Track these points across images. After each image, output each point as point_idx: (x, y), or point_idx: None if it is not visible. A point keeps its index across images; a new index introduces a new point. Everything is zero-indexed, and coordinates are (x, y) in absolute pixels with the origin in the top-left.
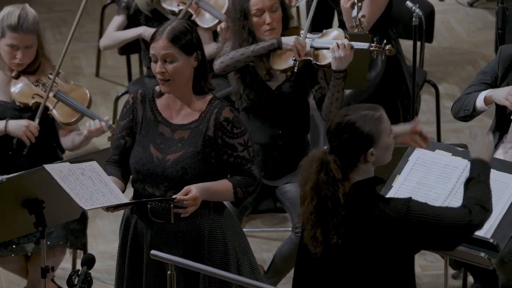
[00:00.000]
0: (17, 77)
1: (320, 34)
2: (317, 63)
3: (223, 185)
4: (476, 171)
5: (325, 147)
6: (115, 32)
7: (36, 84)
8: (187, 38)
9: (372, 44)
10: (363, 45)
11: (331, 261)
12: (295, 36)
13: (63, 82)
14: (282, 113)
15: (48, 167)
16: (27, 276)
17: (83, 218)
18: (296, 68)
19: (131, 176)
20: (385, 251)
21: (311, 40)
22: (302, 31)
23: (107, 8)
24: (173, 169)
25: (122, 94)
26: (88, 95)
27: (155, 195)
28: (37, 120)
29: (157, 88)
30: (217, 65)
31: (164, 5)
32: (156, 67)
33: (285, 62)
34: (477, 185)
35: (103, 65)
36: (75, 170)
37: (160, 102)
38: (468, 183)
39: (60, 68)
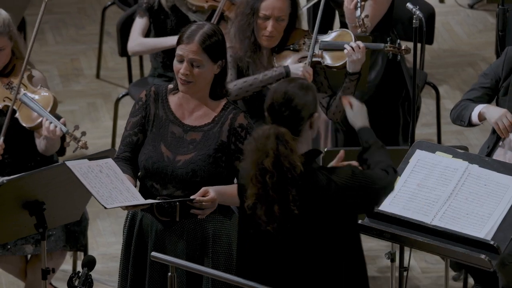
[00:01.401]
0: None
1: (327, 35)
2: (328, 64)
3: (235, 190)
4: (370, 138)
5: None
6: (148, 39)
7: (7, 86)
8: (217, 47)
9: (386, 45)
10: (378, 46)
11: (288, 235)
12: (303, 64)
13: (32, 87)
14: None
15: (69, 163)
16: (25, 279)
17: (83, 219)
18: None
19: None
20: (334, 219)
21: (319, 41)
22: (306, 37)
23: (107, 10)
24: (183, 170)
25: (123, 96)
26: (52, 99)
27: (163, 194)
28: (1, 139)
29: (170, 86)
30: None
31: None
32: (181, 68)
33: (289, 63)
34: (379, 150)
35: (103, 67)
36: (94, 167)
37: (173, 101)
38: (368, 150)
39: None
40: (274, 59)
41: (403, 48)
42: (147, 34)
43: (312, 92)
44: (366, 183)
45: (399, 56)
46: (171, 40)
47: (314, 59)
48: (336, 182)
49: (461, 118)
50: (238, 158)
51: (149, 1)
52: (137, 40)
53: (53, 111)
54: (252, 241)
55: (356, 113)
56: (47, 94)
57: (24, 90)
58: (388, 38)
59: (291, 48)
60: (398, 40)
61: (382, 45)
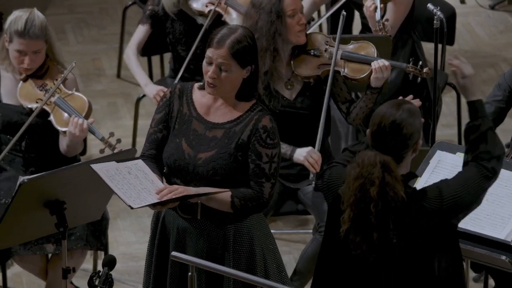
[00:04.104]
0: (25, 80)
1: (349, 45)
2: (347, 75)
3: (223, 193)
4: (480, 115)
5: (370, 150)
6: (133, 63)
7: (40, 88)
8: (246, 52)
9: (408, 65)
10: (401, 65)
11: (385, 263)
12: (308, 150)
13: (66, 90)
14: (303, 117)
15: (95, 166)
16: (46, 278)
17: (104, 219)
18: (314, 182)
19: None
20: (432, 240)
21: (341, 50)
22: (328, 43)
23: (128, 10)
24: (204, 168)
25: (143, 96)
26: (87, 103)
27: None
28: None
29: (196, 84)
30: None
31: (193, 4)
32: (209, 71)
33: (308, 68)
34: (487, 134)
35: (124, 67)
36: (122, 169)
37: (197, 98)
38: (477, 130)
39: (68, 76)
40: (292, 64)
41: (424, 71)
42: (159, 38)
43: (419, 117)
44: (458, 199)
45: (419, 78)
46: (141, 79)
47: (335, 68)
48: (427, 208)
49: None
50: (250, 157)
51: (153, 8)
52: (130, 51)
53: (87, 116)
54: (339, 264)
55: (466, 82)
56: (82, 98)
57: (58, 93)
58: (411, 59)
59: (312, 53)
60: (421, 62)
61: (404, 64)
